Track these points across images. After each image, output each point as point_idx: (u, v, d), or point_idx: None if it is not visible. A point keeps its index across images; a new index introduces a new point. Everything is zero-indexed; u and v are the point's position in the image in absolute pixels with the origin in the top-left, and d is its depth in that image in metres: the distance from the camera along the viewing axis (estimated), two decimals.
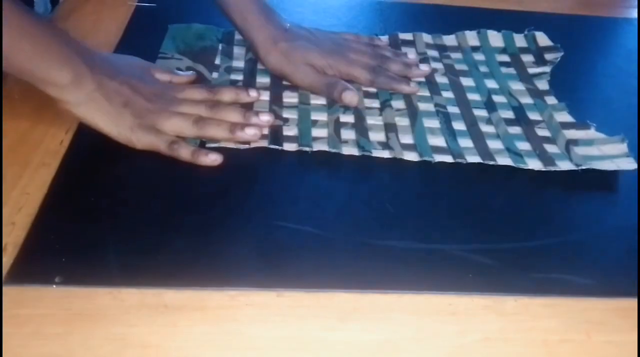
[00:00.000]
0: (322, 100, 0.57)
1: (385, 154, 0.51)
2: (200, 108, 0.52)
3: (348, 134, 0.53)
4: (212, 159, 0.49)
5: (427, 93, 0.60)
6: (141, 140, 0.49)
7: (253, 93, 0.56)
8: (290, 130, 0.53)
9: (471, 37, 0.69)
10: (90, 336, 0.36)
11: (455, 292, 0.41)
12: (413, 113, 0.56)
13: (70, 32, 0.49)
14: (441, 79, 0.62)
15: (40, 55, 0.45)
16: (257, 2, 0.60)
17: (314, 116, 0.55)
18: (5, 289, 0.38)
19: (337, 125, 0.54)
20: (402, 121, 0.55)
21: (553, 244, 0.46)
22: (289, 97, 0.57)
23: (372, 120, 0.55)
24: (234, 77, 0.59)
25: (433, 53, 0.66)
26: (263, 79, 0.59)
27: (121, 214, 0.45)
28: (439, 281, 0.42)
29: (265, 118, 0.53)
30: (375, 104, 0.58)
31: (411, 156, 0.51)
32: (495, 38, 0.69)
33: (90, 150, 0.50)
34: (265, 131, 0.52)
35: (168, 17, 0.69)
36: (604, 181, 0.52)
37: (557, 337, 0.39)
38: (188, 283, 0.40)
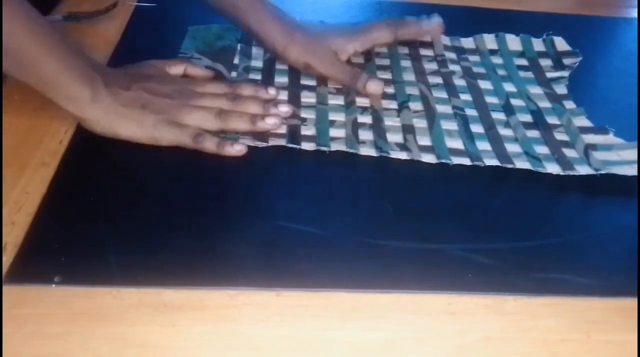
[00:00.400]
0: (340, 101, 0.57)
1: (403, 156, 0.51)
2: (222, 101, 0.53)
3: (366, 135, 0.53)
4: (237, 149, 0.50)
5: (444, 95, 0.59)
6: (165, 136, 0.49)
7: (272, 91, 0.56)
8: (308, 130, 0.53)
9: (489, 41, 0.69)
10: (90, 335, 0.36)
11: (455, 292, 0.41)
12: (431, 115, 0.56)
13: (71, 33, 0.50)
14: (459, 82, 0.62)
15: (65, 72, 0.46)
16: (262, 1, 0.60)
17: (332, 116, 0.55)
18: (5, 288, 0.38)
19: (355, 126, 0.54)
20: (420, 123, 0.55)
21: (553, 243, 0.46)
22: (307, 97, 0.57)
23: (390, 121, 0.55)
24: (252, 76, 0.60)
25: (451, 55, 0.66)
26: (281, 79, 0.60)
27: (121, 214, 0.45)
28: (439, 280, 0.42)
29: (285, 109, 0.54)
30: (393, 105, 0.57)
31: (429, 158, 0.51)
32: (513, 42, 0.69)
33: (90, 150, 0.50)
34: (284, 130, 0.53)
35: (168, 17, 0.69)
36: (604, 181, 0.52)
37: (557, 336, 0.39)
38: (187, 282, 0.40)
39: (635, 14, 0.83)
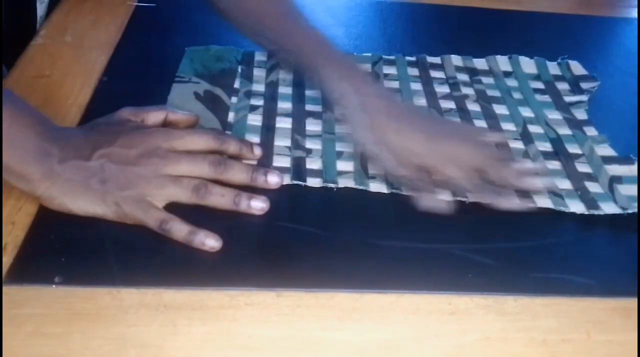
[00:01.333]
0: (347, 129, 0.52)
1: (412, 192, 0.48)
2: (203, 167, 0.45)
3: (376, 168, 0.50)
4: (210, 245, 0.42)
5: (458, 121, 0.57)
6: (129, 215, 0.43)
7: (257, 151, 0.50)
8: (314, 163, 0.50)
9: (502, 62, 0.66)
10: (90, 335, 0.36)
11: (455, 292, 0.41)
12: None
13: (70, 33, 0.49)
14: (473, 107, 0.59)
15: (13, 151, 0.42)
16: (328, 45, 0.53)
17: (339, 147, 0.52)
18: (5, 288, 0.38)
19: (364, 158, 0.50)
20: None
21: (553, 243, 0.46)
22: (313, 125, 0.54)
23: None
24: (254, 102, 0.56)
25: (463, 77, 0.63)
26: (285, 104, 0.57)
27: None
28: (439, 280, 0.42)
29: (274, 180, 0.47)
30: None
31: (444, 195, 0.48)
32: (527, 64, 0.66)
33: None
34: (288, 163, 0.50)
35: (168, 17, 0.69)
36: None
37: (557, 336, 0.39)
38: (187, 283, 0.40)
39: (635, 14, 0.83)
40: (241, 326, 0.38)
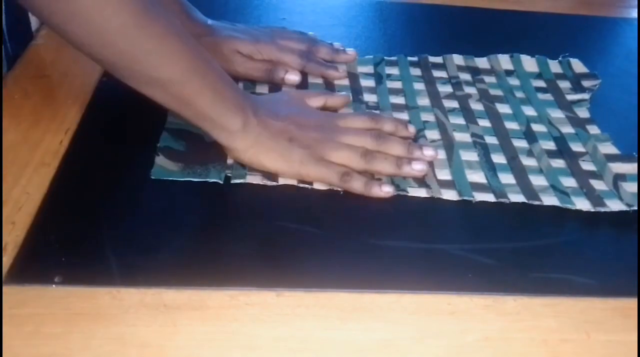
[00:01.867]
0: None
1: (422, 193, 0.49)
2: (366, 139, 0.50)
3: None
4: (386, 191, 0.48)
5: (462, 121, 0.57)
6: (311, 172, 0.48)
7: (411, 129, 0.54)
8: None
9: (504, 61, 0.66)
10: (90, 335, 0.36)
11: (455, 292, 0.41)
12: (449, 144, 0.53)
13: None
14: (476, 106, 0.59)
15: (220, 103, 0.46)
16: None
17: None
18: (5, 288, 0.38)
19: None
20: (438, 154, 0.52)
21: (553, 244, 0.46)
22: None
23: None
24: None
25: (465, 76, 0.63)
26: None
27: (121, 214, 0.45)
28: (439, 280, 0.42)
29: (430, 153, 0.51)
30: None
31: (450, 195, 0.49)
32: (528, 63, 0.66)
33: (90, 150, 0.50)
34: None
35: None
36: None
37: (557, 336, 0.39)
38: (188, 283, 0.40)
39: (635, 14, 0.83)
40: (241, 325, 0.38)
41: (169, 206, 0.46)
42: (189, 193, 0.47)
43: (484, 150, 0.53)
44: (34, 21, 0.64)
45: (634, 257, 0.45)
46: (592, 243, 0.47)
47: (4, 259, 0.40)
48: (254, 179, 0.48)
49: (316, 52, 0.62)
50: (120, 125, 0.53)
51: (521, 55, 0.67)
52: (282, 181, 0.48)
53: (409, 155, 0.50)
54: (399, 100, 0.59)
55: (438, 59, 0.66)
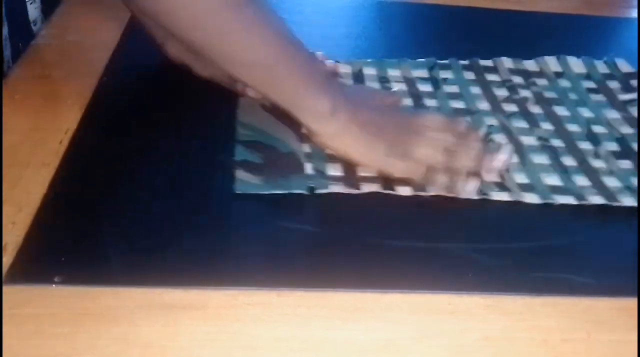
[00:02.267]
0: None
1: (505, 197, 0.49)
2: (447, 135, 0.49)
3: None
4: (469, 190, 0.48)
5: (525, 125, 0.57)
6: (397, 167, 0.48)
7: (481, 133, 0.54)
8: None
9: (552, 63, 0.67)
10: (92, 335, 0.36)
11: (456, 292, 0.41)
12: (518, 148, 0.54)
13: (70, 33, 0.49)
14: (535, 109, 0.60)
15: (309, 85, 0.46)
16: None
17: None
18: (5, 288, 0.38)
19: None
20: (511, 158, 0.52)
21: (554, 243, 0.46)
22: None
23: None
24: None
25: (518, 79, 0.64)
26: None
27: (121, 214, 0.45)
28: (439, 280, 0.42)
29: (504, 156, 0.50)
30: None
31: (531, 198, 0.49)
32: (576, 64, 0.67)
33: (90, 150, 0.50)
34: (373, 172, 0.49)
35: None
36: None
37: (557, 336, 0.39)
38: (189, 283, 0.40)
39: (635, 14, 0.83)
40: (243, 325, 0.38)
41: (170, 206, 0.46)
42: (190, 193, 0.47)
43: (553, 154, 0.54)
44: (33, 21, 0.64)
45: (634, 257, 0.45)
46: (593, 243, 0.47)
47: (4, 259, 0.40)
48: (337, 189, 0.48)
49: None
50: (120, 125, 0.53)
51: (568, 57, 0.68)
52: (365, 190, 0.48)
53: (481, 159, 0.49)
54: (459, 104, 0.59)
55: (488, 62, 0.66)
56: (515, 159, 0.52)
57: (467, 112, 0.58)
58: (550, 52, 0.68)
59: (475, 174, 0.49)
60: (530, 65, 0.67)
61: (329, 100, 0.46)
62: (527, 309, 0.41)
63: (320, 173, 0.49)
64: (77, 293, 0.39)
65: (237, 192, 0.47)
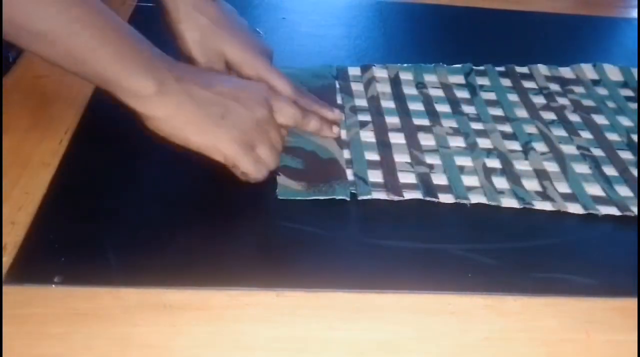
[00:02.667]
0: (460, 142, 0.54)
1: (548, 207, 0.49)
2: (295, 113, 0.50)
3: (501, 183, 0.50)
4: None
5: (564, 133, 0.57)
6: (240, 163, 0.45)
7: (335, 130, 0.53)
8: (439, 178, 0.50)
9: (588, 70, 0.66)
10: (91, 335, 0.36)
11: (455, 292, 0.41)
12: (559, 157, 0.54)
13: None
14: (573, 117, 0.59)
15: (122, 60, 0.40)
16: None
17: (459, 161, 0.52)
18: (5, 288, 0.38)
19: (487, 172, 0.51)
20: (551, 166, 0.53)
21: (553, 243, 0.46)
22: (425, 140, 0.54)
23: (520, 165, 0.53)
24: (361, 117, 0.56)
25: (555, 87, 0.64)
26: (392, 119, 0.56)
27: (121, 214, 0.45)
28: (439, 280, 0.42)
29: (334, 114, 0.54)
30: (516, 146, 0.55)
31: (575, 208, 0.49)
32: (612, 71, 0.67)
33: (90, 150, 0.50)
34: (414, 179, 0.50)
35: None
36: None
37: (557, 336, 0.39)
38: (189, 283, 0.40)
39: (635, 14, 0.83)
40: (242, 325, 0.38)
41: (169, 206, 0.46)
42: (190, 193, 0.47)
43: (595, 163, 0.54)
44: None
45: (634, 257, 0.45)
46: (592, 243, 0.47)
47: (4, 259, 0.40)
48: (379, 195, 0.48)
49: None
50: (120, 125, 0.53)
51: (604, 64, 0.67)
52: (407, 196, 0.48)
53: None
54: (498, 112, 0.59)
55: (524, 69, 0.66)
56: (556, 168, 0.52)
57: (505, 119, 0.58)
58: (551, 52, 0.68)
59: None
60: (566, 72, 0.66)
61: (153, 77, 0.41)
62: (527, 309, 0.41)
63: (362, 179, 0.49)
64: (76, 293, 0.39)
65: (278, 198, 0.47)
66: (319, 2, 0.77)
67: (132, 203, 0.46)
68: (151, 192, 0.47)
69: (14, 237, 0.42)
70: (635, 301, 0.42)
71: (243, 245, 0.43)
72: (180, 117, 0.43)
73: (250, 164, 0.45)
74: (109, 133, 0.52)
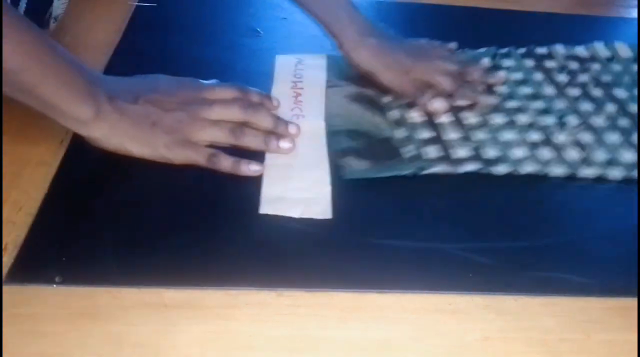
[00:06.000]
0: (501, 120, 0.57)
1: (591, 172, 0.52)
2: (234, 110, 0.50)
3: (545, 154, 0.53)
4: (254, 169, 0.48)
5: (591, 107, 0.60)
6: (178, 156, 0.48)
7: (275, 102, 0.55)
8: (489, 152, 0.53)
9: (600, 48, 0.69)
10: (90, 335, 0.36)
11: (455, 292, 0.41)
12: (591, 128, 0.57)
13: (70, 33, 0.49)
14: (596, 92, 0.62)
15: (64, 92, 0.44)
16: None
17: (504, 136, 0.55)
18: (5, 288, 0.38)
19: (531, 145, 0.54)
20: (586, 137, 0.56)
21: (553, 243, 0.46)
22: (469, 118, 0.57)
23: (558, 137, 0.55)
24: (405, 100, 0.58)
25: (574, 65, 0.67)
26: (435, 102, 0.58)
27: (121, 214, 0.45)
28: (439, 280, 0.42)
29: (294, 130, 0.52)
30: (551, 120, 0.57)
31: (614, 175, 0.52)
32: (622, 48, 0.70)
33: (90, 150, 0.50)
34: (468, 153, 0.52)
35: (168, 17, 0.69)
36: (604, 180, 0.52)
37: (556, 336, 0.39)
38: (187, 282, 0.40)
39: (635, 14, 0.83)
40: (241, 325, 0.38)
41: (169, 206, 0.46)
42: (189, 193, 0.47)
43: (624, 132, 0.57)
44: (55, 17, 0.64)
45: (634, 257, 0.45)
46: (592, 243, 0.47)
47: (4, 259, 0.40)
48: (439, 169, 0.51)
49: (469, 75, 0.61)
50: None
51: (615, 42, 0.70)
52: (465, 169, 0.51)
53: (275, 129, 0.51)
54: (528, 90, 0.62)
55: (543, 50, 0.69)
56: (591, 139, 0.56)
57: (536, 97, 0.61)
58: None
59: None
60: (581, 51, 0.69)
61: (90, 103, 0.45)
62: (527, 309, 0.41)
63: (420, 155, 0.52)
64: (77, 293, 0.39)
65: (346, 178, 0.49)
66: None
67: (131, 203, 0.46)
68: (150, 192, 0.47)
69: (14, 237, 0.42)
70: (634, 300, 0.42)
71: (242, 244, 0.43)
72: (117, 134, 0.47)
73: (204, 158, 0.48)
74: None
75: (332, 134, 0.53)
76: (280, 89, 0.58)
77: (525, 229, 0.47)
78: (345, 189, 0.49)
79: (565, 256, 0.45)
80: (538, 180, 0.52)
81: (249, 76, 0.60)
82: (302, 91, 0.58)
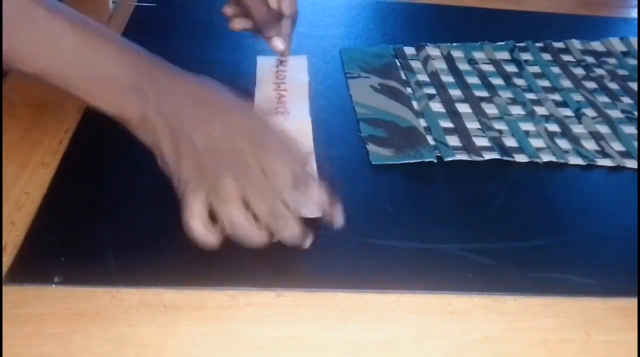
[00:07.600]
0: (519, 110, 0.59)
1: (608, 163, 0.54)
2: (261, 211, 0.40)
3: (564, 144, 0.56)
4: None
5: (607, 99, 0.62)
6: (191, 207, 0.40)
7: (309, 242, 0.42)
8: (510, 141, 0.55)
9: (616, 43, 0.72)
10: (90, 335, 0.36)
11: (455, 292, 0.41)
12: (608, 120, 0.59)
13: None
14: (612, 85, 0.65)
15: (109, 91, 0.40)
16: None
17: (523, 126, 0.57)
18: (5, 288, 0.38)
19: (550, 135, 0.56)
20: (603, 128, 0.58)
21: (553, 243, 0.46)
22: (489, 109, 0.59)
23: (576, 128, 0.58)
24: (427, 91, 0.61)
25: (590, 59, 0.69)
26: (455, 92, 0.61)
27: (120, 214, 0.45)
28: (439, 280, 0.42)
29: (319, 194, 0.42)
30: (568, 112, 0.60)
31: (631, 163, 0.54)
32: (637, 43, 0.72)
33: (90, 150, 0.50)
34: (487, 142, 0.55)
35: (168, 17, 0.69)
36: (604, 179, 0.52)
37: (556, 336, 0.39)
38: (187, 283, 0.40)
39: (635, 14, 0.83)
40: (241, 325, 0.38)
41: (169, 206, 0.46)
42: None
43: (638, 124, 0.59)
44: None
45: (634, 257, 0.45)
46: (592, 243, 0.47)
47: (4, 259, 0.40)
48: (462, 156, 0.53)
49: None
50: (120, 125, 0.53)
51: (630, 37, 0.72)
52: (486, 157, 0.53)
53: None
54: (545, 83, 0.64)
55: (560, 44, 0.71)
56: (608, 130, 0.58)
57: (554, 89, 0.63)
58: None
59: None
60: (597, 46, 0.71)
61: (134, 109, 0.40)
62: (527, 310, 0.41)
63: (443, 144, 0.54)
64: (76, 293, 0.39)
65: (372, 163, 0.51)
66: (318, 2, 0.77)
67: (131, 203, 0.46)
68: (151, 192, 0.47)
69: (13, 237, 0.42)
70: (634, 300, 0.42)
71: (242, 245, 0.43)
72: (160, 147, 0.41)
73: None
74: (109, 133, 0.52)
75: (361, 121, 0.56)
76: (264, 91, 0.58)
77: (525, 229, 0.47)
78: (344, 188, 0.49)
79: (565, 256, 0.45)
80: (538, 180, 0.52)
81: (249, 76, 0.60)
82: (285, 92, 0.58)
